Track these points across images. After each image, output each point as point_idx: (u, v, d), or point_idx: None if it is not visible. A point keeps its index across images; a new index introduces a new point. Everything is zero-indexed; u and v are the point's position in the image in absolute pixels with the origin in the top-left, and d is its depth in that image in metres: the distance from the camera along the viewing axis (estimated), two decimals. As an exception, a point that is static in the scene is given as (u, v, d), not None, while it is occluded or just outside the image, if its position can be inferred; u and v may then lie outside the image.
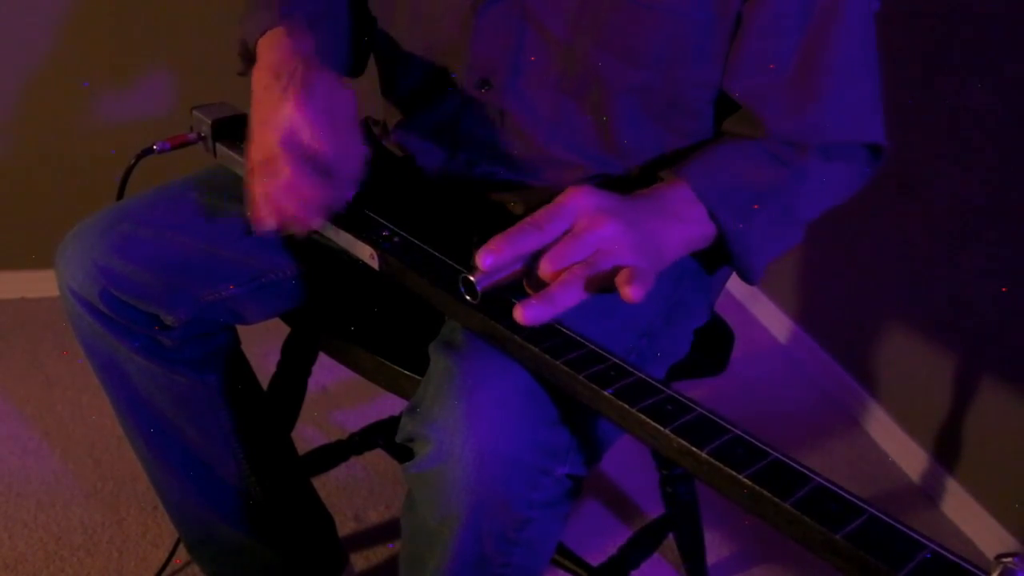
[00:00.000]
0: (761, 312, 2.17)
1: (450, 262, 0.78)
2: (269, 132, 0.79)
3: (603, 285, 0.69)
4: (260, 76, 0.86)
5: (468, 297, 0.70)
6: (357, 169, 0.82)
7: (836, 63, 0.87)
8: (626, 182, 0.96)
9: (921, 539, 0.52)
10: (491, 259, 0.67)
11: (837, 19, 0.86)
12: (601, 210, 0.70)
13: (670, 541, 1.31)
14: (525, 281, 0.70)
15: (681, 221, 0.80)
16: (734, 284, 2.21)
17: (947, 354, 1.59)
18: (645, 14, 0.86)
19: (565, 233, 0.69)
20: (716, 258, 0.89)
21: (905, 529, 0.52)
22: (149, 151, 0.96)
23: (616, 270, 0.68)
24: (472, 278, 0.68)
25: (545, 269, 0.68)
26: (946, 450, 1.60)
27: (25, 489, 1.48)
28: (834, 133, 0.90)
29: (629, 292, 0.66)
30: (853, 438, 1.77)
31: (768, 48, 0.86)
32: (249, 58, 0.94)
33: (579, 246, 0.68)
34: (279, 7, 0.94)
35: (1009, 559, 0.47)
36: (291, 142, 0.78)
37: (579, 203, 0.70)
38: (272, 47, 0.90)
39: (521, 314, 0.65)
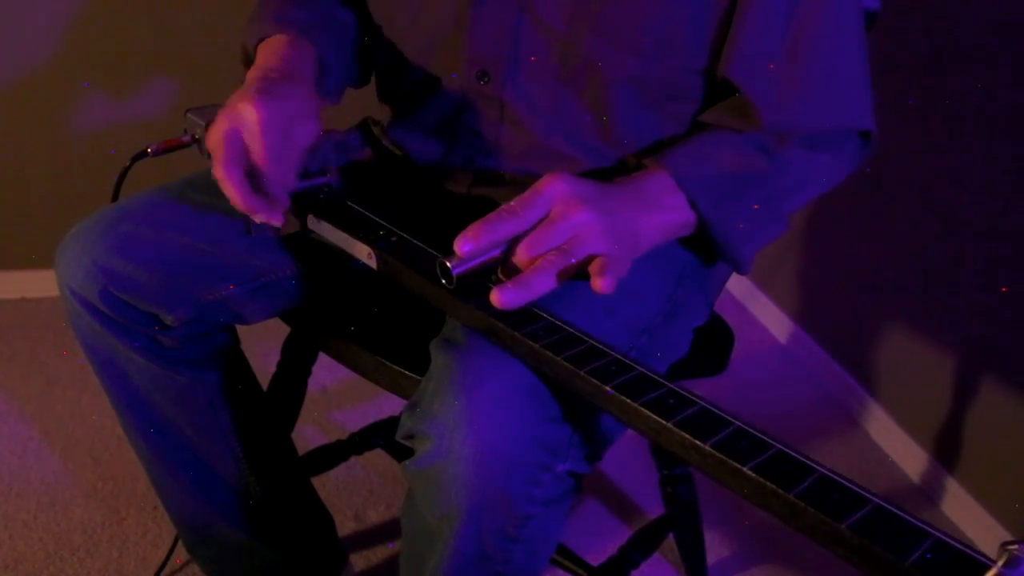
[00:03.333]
0: (761, 312, 2.17)
1: (448, 260, 0.78)
2: (221, 122, 0.81)
3: (577, 272, 0.70)
4: (249, 75, 0.87)
5: (444, 282, 0.71)
6: (283, 195, 0.82)
7: (823, 51, 0.88)
8: (620, 171, 0.97)
9: (926, 528, 0.51)
10: (469, 245, 0.68)
11: (823, 7, 0.87)
12: (576, 197, 0.71)
13: (670, 541, 1.31)
14: (500, 267, 0.72)
15: (658, 208, 0.81)
16: (734, 284, 2.21)
17: (947, 354, 1.59)
18: (640, 2, 0.86)
19: (542, 220, 0.71)
20: (703, 248, 0.90)
21: (910, 518, 0.52)
22: (143, 154, 0.96)
23: (591, 257, 0.70)
24: (448, 263, 0.70)
25: (521, 256, 0.70)
26: (946, 450, 1.60)
27: (25, 489, 1.48)
28: (823, 120, 0.90)
29: (599, 283, 0.68)
30: (853, 438, 1.77)
31: (760, 38, 0.87)
32: (249, 63, 0.95)
33: (554, 233, 0.70)
34: (274, 15, 0.96)
35: (1015, 546, 0.47)
36: (233, 140, 0.80)
37: (555, 190, 0.71)
38: (268, 51, 0.91)
39: (497, 298, 0.67)
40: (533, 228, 0.71)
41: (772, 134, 0.89)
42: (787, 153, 0.88)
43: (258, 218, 0.83)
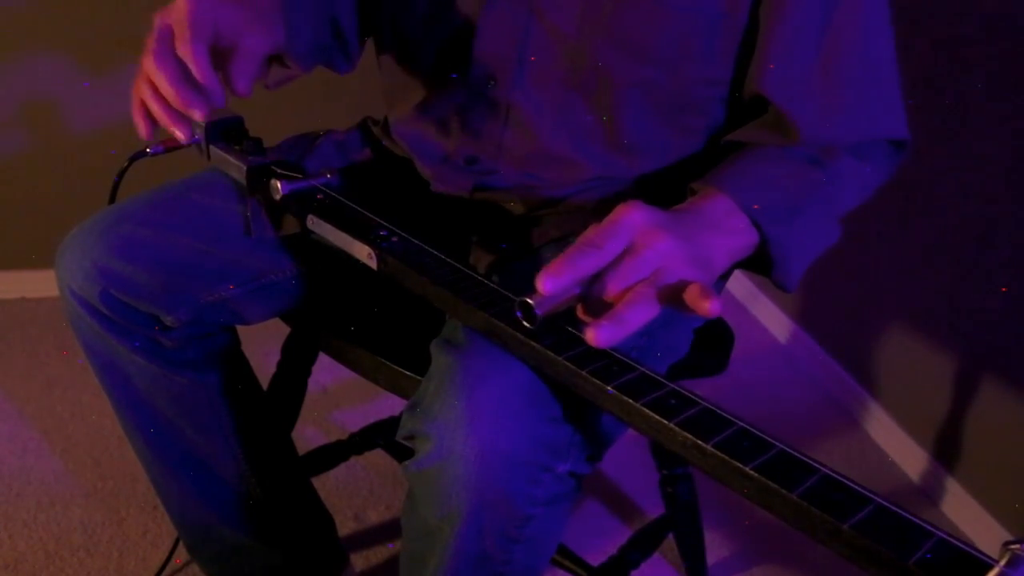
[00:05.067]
0: (761, 312, 2.17)
1: (449, 260, 0.78)
2: (155, 24, 0.80)
3: (669, 302, 0.67)
4: None
5: (526, 323, 0.67)
6: (217, 89, 0.81)
7: (858, 61, 0.87)
8: (630, 182, 0.96)
9: (929, 527, 0.52)
10: (552, 282, 0.64)
11: (857, 17, 0.86)
12: (656, 225, 0.68)
13: (670, 541, 1.31)
14: (581, 304, 0.68)
15: (725, 232, 0.78)
16: (734, 284, 2.21)
17: (947, 354, 1.59)
18: (653, 10, 0.86)
19: (624, 251, 0.67)
20: (755, 268, 0.86)
21: (912, 518, 0.52)
22: (142, 154, 0.96)
23: (679, 284, 0.67)
24: (531, 301, 0.65)
25: (611, 290, 0.66)
26: (946, 450, 1.60)
27: (25, 489, 1.48)
28: (861, 132, 0.89)
29: (708, 307, 0.65)
30: (853, 438, 1.77)
31: (793, 52, 0.86)
32: None
33: (641, 264, 0.67)
34: None
35: (1017, 545, 0.48)
36: (165, 34, 0.79)
37: (634, 219, 0.68)
38: None
39: (594, 337, 0.63)
40: (617, 260, 0.67)
41: (815, 146, 0.87)
42: (837, 162, 0.87)
43: (179, 123, 0.81)
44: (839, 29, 0.86)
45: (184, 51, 0.79)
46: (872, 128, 0.90)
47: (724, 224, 0.79)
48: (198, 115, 0.80)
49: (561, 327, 0.69)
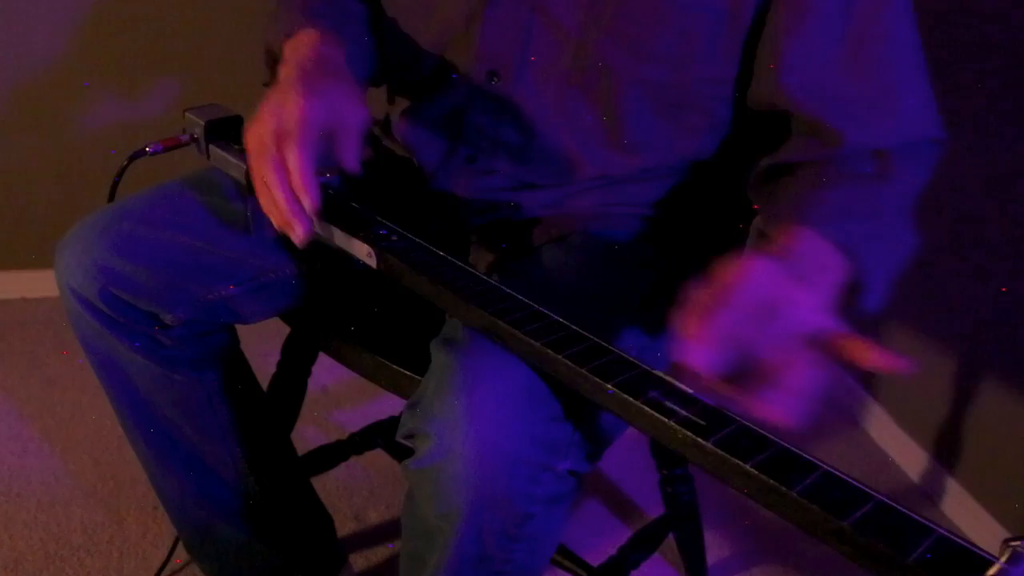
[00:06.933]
0: (761, 313, 2.16)
1: (449, 259, 0.78)
2: (267, 120, 0.79)
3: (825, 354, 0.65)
4: (285, 70, 0.85)
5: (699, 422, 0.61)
6: (316, 197, 0.80)
7: (895, 59, 0.85)
8: (630, 181, 0.96)
9: (929, 524, 0.52)
10: (703, 355, 0.60)
11: (879, 17, 0.84)
12: (783, 277, 0.67)
13: (670, 541, 1.31)
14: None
15: (830, 270, 0.76)
16: (734, 285, 2.21)
17: (947, 354, 1.59)
18: (656, 8, 0.85)
19: (758, 309, 0.64)
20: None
21: (912, 515, 0.52)
22: (141, 153, 0.95)
23: (824, 337, 0.65)
24: (688, 389, 0.62)
25: (768, 354, 0.63)
26: (946, 450, 1.59)
27: (25, 489, 1.48)
28: (905, 133, 0.87)
29: (879, 361, 0.62)
30: (853, 438, 1.77)
31: (816, 56, 0.84)
32: (274, 64, 0.94)
33: (786, 324, 0.64)
34: (304, 10, 0.95)
35: (1017, 543, 0.48)
36: (281, 136, 0.79)
37: (757, 273, 0.66)
38: (301, 46, 0.89)
39: (782, 417, 0.60)
40: (755, 319, 0.63)
41: (868, 154, 0.85)
42: (895, 171, 0.85)
43: (289, 229, 0.80)
44: (862, 28, 0.83)
45: (290, 159, 0.78)
46: (912, 128, 0.88)
47: (827, 262, 0.75)
48: (299, 228, 0.80)
49: (563, 325, 0.69)
